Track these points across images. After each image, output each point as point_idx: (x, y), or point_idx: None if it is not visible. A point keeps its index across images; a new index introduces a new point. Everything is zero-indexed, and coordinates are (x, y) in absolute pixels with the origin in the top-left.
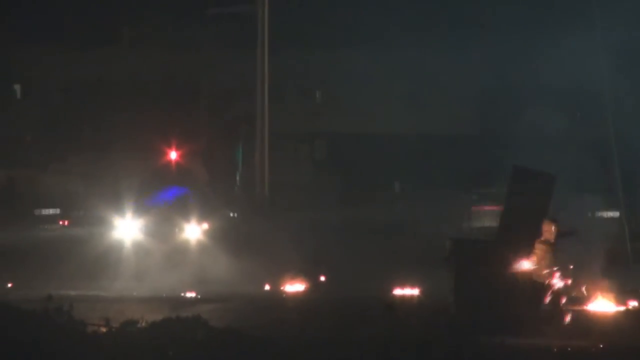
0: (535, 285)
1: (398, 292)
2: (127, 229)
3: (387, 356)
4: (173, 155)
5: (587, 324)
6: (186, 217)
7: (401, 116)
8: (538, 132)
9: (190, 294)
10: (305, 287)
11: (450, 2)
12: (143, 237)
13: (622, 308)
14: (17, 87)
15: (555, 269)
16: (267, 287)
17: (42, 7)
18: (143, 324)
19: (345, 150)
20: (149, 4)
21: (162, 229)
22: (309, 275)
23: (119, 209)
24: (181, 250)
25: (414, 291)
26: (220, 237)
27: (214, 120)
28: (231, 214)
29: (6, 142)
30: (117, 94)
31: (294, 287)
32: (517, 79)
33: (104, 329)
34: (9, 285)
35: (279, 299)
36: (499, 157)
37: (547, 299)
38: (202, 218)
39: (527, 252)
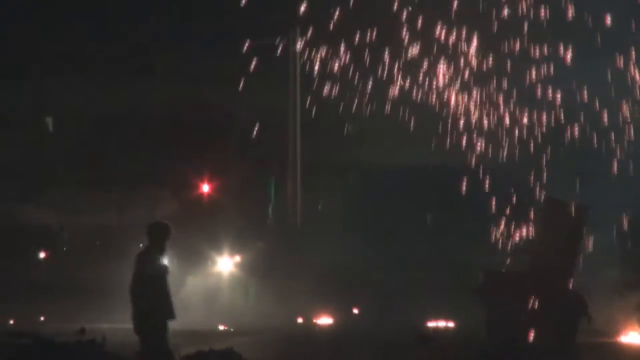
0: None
1: (431, 324)
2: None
3: None
4: (205, 188)
5: (620, 356)
6: (218, 250)
7: (434, 148)
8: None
9: (223, 327)
10: (337, 320)
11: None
12: (174, 270)
13: None
14: (49, 120)
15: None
16: (299, 320)
17: (74, 39)
18: (177, 358)
19: (378, 182)
20: (181, 35)
21: (193, 261)
22: (342, 307)
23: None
24: (213, 283)
25: (448, 323)
26: (253, 269)
27: (247, 152)
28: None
29: (38, 173)
30: (149, 126)
31: (326, 319)
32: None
33: None
34: (42, 318)
35: (311, 332)
36: (532, 187)
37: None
38: (234, 250)
39: (561, 283)
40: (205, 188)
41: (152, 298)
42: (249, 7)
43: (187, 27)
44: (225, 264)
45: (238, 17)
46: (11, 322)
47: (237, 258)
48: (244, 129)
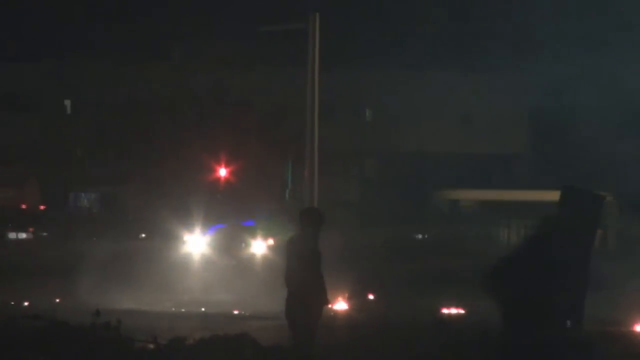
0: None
1: (445, 310)
2: (194, 243)
3: None
4: (222, 172)
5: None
6: (252, 234)
7: (449, 135)
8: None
9: (239, 312)
10: (353, 305)
11: (483, 21)
12: (210, 252)
13: None
14: (67, 103)
15: None
16: None
17: (93, 23)
18: (191, 342)
19: (393, 169)
20: (201, 20)
21: (229, 244)
22: (357, 293)
23: (186, 224)
24: (245, 266)
25: (459, 310)
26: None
27: (264, 137)
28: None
29: (58, 156)
30: (167, 109)
31: (342, 304)
32: (566, 99)
33: (151, 346)
34: (57, 300)
35: (327, 317)
36: (546, 175)
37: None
38: (268, 234)
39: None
40: (222, 172)
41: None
42: None
43: (205, 12)
44: (259, 246)
45: (257, 2)
46: (26, 303)
47: (270, 241)
48: (262, 113)
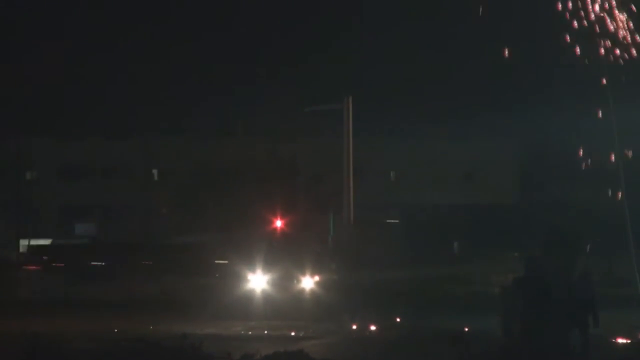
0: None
1: (459, 329)
2: (256, 281)
3: None
4: (278, 223)
5: None
6: (302, 272)
7: (458, 190)
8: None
9: (296, 333)
10: (383, 326)
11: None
12: (269, 287)
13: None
14: (154, 171)
15: None
16: (354, 327)
17: (171, 106)
18: (258, 357)
19: (414, 218)
20: (258, 103)
21: (284, 281)
22: (388, 316)
23: (250, 265)
24: (297, 298)
25: (474, 329)
26: (328, 287)
27: (310, 194)
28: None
29: (147, 214)
30: (233, 174)
31: (375, 325)
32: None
33: None
34: (151, 327)
35: (364, 336)
36: (536, 220)
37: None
38: (314, 272)
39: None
40: (278, 223)
41: None
42: (310, 78)
43: (261, 97)
44: (307, 282)
45: (302, 87)
46: (128, 329)
47: (317, 278)
48: (308, 176)
